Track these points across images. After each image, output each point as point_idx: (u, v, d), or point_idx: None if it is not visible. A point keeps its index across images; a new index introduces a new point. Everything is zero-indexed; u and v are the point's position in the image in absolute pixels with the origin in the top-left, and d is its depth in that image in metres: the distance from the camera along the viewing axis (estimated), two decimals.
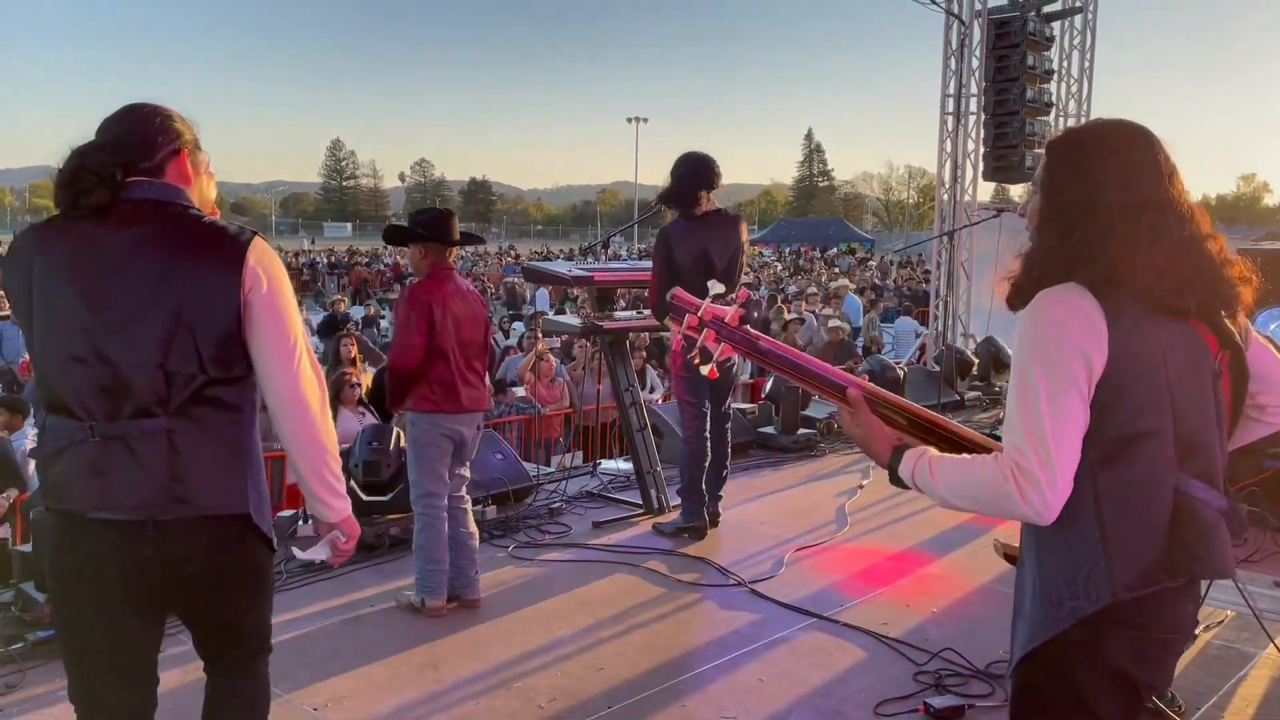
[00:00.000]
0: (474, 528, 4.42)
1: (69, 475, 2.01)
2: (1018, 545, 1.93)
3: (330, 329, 11.22)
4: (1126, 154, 1.72)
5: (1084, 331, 1.62)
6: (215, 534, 2.08)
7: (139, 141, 2.08)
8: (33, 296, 2.01)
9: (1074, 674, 1.71)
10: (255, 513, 2.12)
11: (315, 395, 2.13)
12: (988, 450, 1.80)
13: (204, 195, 2.21)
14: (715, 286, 2.03)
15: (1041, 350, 1.64)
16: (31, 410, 8.87)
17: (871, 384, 1.93)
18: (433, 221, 4.24)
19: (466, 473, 4.45)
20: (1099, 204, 1.69)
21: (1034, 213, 1.80)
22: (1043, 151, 1.85)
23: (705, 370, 1.99)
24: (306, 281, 31.72)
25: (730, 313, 1.99)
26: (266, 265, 2.08)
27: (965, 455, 1.75)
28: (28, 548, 4.18)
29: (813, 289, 18.08)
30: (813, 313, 14.06)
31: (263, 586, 2.27)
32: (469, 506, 4.44)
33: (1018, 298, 1.74)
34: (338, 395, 7.37)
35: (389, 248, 37.78)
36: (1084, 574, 1.66)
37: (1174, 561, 1.65)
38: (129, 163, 2.05)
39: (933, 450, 1.78)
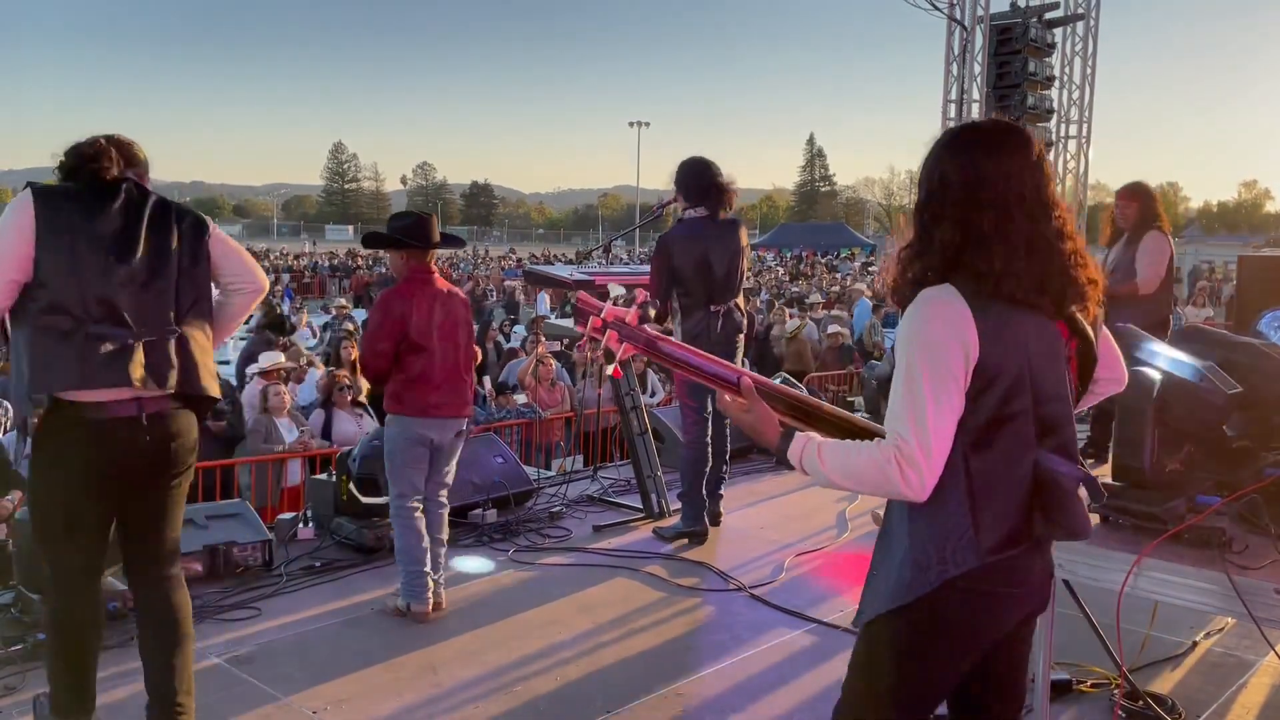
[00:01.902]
0: (444, 535, 4.39)
1: (108, 366, 2.73)
2: None
3: (279, 329, 11.14)
4: (998, 155, 1.85)
5: (960, 330, 1.78)
6: (188, 418, 2.95)
7: (127, 154, 2.99)
8: (79, 235, 2.75)
9: (929, 626, 1.88)
10: (220, 396, 3.08)
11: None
12: (864, 430, 2.01)
13: None
14: (615, 289, 2.16)
15: (925, 346, 1.80)
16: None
17: (756, 374, 2.09)
18: (410, 226, 4.21)
19: (448, 479, 4.39)
20: (970, 204, 1.83)
21: (913, 211, 1.93)
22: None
23: (609, 369, 2.13)
24: (309, 284, 31.78)
25: (630, 314, 2.14)
26: (211, 223, 3.10)
27: (849, 441, 1.91)
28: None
29: (814, 296, 18.03)
30: (815, 321, 14.03)
31: (191, 474, 3.04)
32: (445, 513, 4.40)
33: (896, 295, 1.92)
34: (329, 397, 7.39)
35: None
36: (953, 542, 1.83)
37: (1033, 525, 1.85)
38: (116, 164, 2.93)
39: (817, 435, 1.94)
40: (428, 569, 4.20)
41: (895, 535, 1.95)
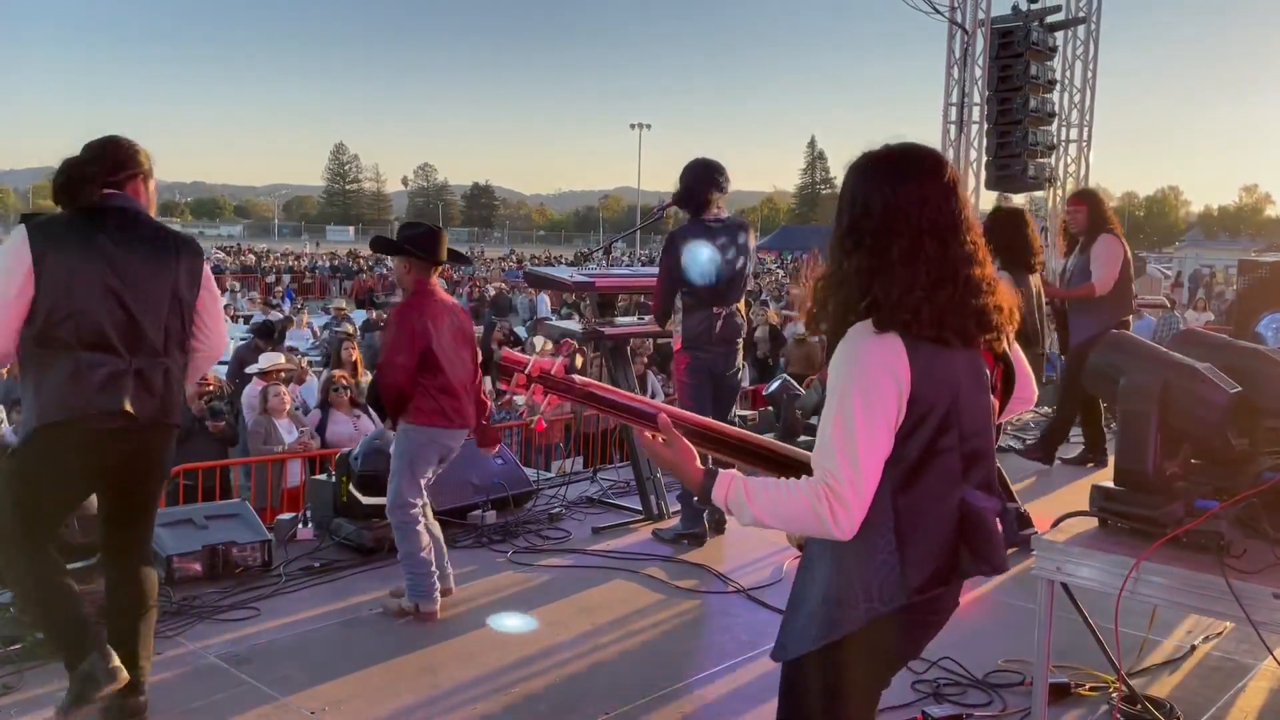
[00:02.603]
0: (435, 521, 4.46)
1: (101, 392, 2.89)
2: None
3: (267, 336, 11.17)
4: (912, 181, 1.84)
5: (894, 368, 1.78)
6: (165, 435, 3.14)
7: (112, 162, 3.03)
8: (70, 269, 2.86)
9: (856, 661, 1.90)
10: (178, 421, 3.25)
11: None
12: (791, 459, 2.02)
13: (151, 206, 3.16)
14: (541, 343, 2.18)
15: (860, 383, 1.78)
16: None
17: (677, 409, 2.08)
18: (421, 238, 4.24)
19: (432, 476, 4.46)
20: (885, 231, 1.82)
21: (830, 237, 1.91)
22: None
23: (533, 423, 2.15)
24: (309, 284, 31.79)
25: (555, 365, 2.14)
26: (206, 263, 3.26)
27: (775, 479, 1.87)
28: None
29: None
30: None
31: (165, 479, 3.33)
32: (427, 500, 4.45)
33: (814, 325, 1.93)
34: (326, 397, 7.39)
35: None
36: (879, 579, 1.83)
37: (960, 562, 1.87)
38: (102, 175, 2.99)
39: (739, 474, 1.89)
40: (434, 570, 4.22)
41: (817, 571, 1.93)
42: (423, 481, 4.27)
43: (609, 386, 2.19)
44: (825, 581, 1.90)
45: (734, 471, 1.90)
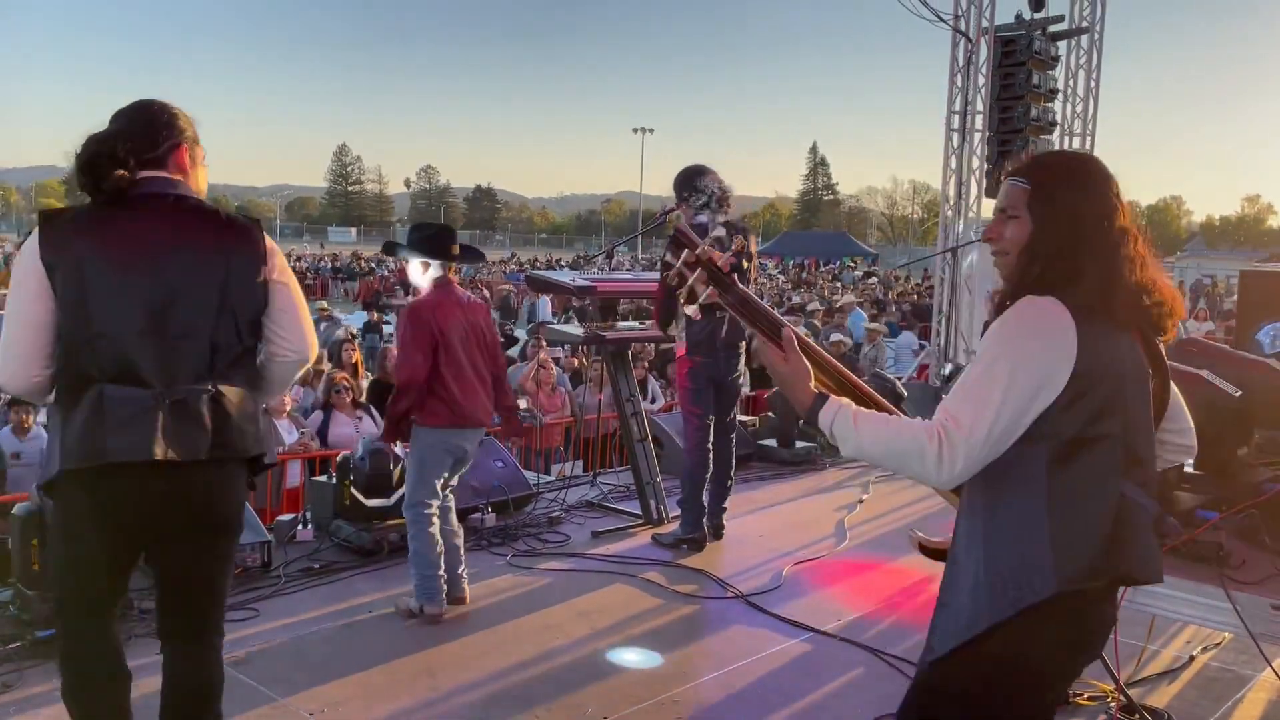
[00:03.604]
0: (458, 526, 4.46)
1: (122, 433, 2.29)
2: (936, 540, 2.08)
3: None
4: (1099, 184, 1.85)
5: (1057, 344, 1.73)
6: (225, 472, 2.45)
7: (146, 132, 2.40)
8: (84, 282, 2.28)
9: (1008, 662, 1.78)
10: (268, 454, 2.56)
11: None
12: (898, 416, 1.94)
13: (198, 186, 2.52)
14: (717, 229, 2.12)
15: (1017, 351, 1.74)
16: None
17: (802, 334, 2.04)
18: (433, 238, 4.27)
19: (456, 480, 4.47)
20: (1081, 231, 1.81)
21: (1015, 239, 1.88)
22: (1013, 177, 1.91)
23: (691, 310, 2.08)
24: (310, 285, 31.78)
25: (724, 258, 2.11)
26: (275, 251, 2.52)
27: (889, 415, 1.86)
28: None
29: (814, 304, 18.03)
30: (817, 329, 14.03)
31: (235, 535, 2.59)
32: (452, 504, 4.47)
33: (1006, 301, 1.85)
34: (328, 399, 7.39)
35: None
36: (1030, 566, 1.73)
37: (1112, 561, 1.75)
38: (136, 149, 2.37)
39: (851, 402, 1.87)
40: (441, 572, 4.23)
41: (963, 564, 1.86)
42: (437, 483, 4.27)
43: (758, 300, 2.12)
44: (975, 570, 1.81)
45: (845, 400, 1.88)
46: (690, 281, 2.08)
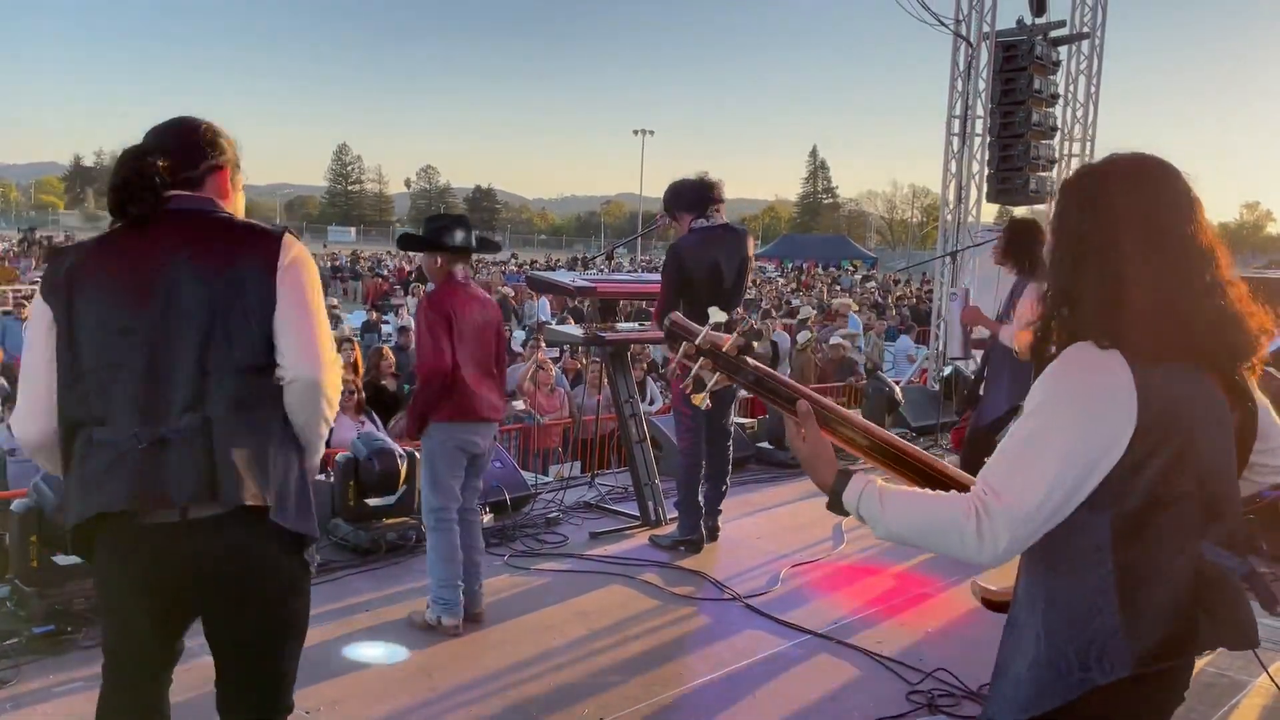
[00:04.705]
0: (481, 544, 4.38)
1: (100, 483, 2.03)
2: (996, 590, 1.91)
3: None
4: (1142, 188, 1.63)
5: (1115, 402, 1.53)
6: (241, 532, 2.08)
7: (185, 152, 2.18)
8: (73, 316, 2.06)
9: None
10: (277, 507, 2.09)
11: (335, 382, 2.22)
12: (955, 481, 1.74)
13: (237, 210, 2.29)
14: (716, 315, 1.94)
15: (1068, 402, 1.56)
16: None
17: (828, 400, 1.86)
18: (442, 230, 4.27)
19: (479, 483, 4.41)
20: (1113, 243, 1.60)
21: (1047, 253, 1.72)
22: (1047, 175, 1.82)
23: (699, 401, 1.93)
24: None
25: (728, 342, 1.92)
26: (298, 258, 2.16)
27: (919, 489, 1.68)
28: None
29: (805, 310, 18.00)
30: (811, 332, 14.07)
31: (283, 608, 2.19)
32: (479, 519, 4.40)
33: (1041, 347, 1.67)
34: None
35: (393, 253, 37.63)
36: (1099, 645, 1.57)
37: (1199, 632, 1.59)
38: (172, 169, 2.14)
39: (877, 479, 1.69)
40: (460, 581, 4.15)
41: (1025, 627, 1.69)
42: (454, 484, 4.18)
43: (775, 373, 1.94)
44: (1035, 643, 1.65)
45: (871, 476, 1.70)
46: (695, 371, 1.92)
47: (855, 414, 1.87)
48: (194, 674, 2.50)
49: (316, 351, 2.15)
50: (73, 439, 2.08)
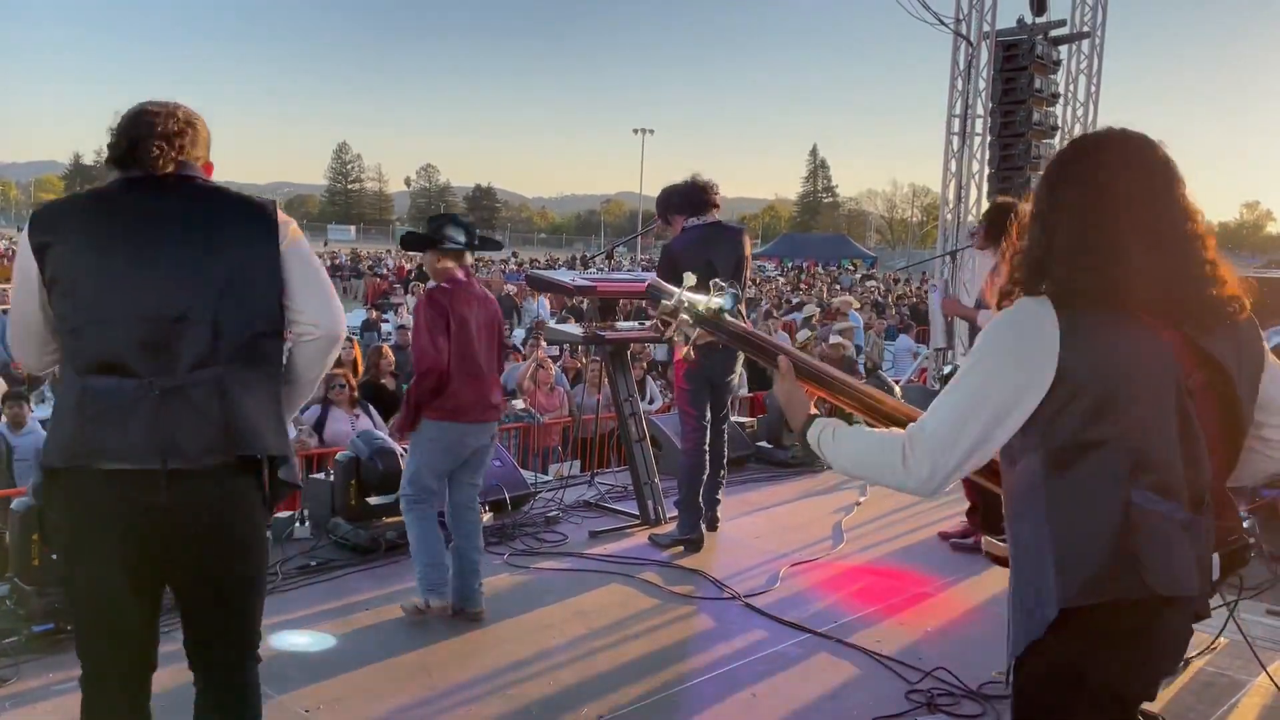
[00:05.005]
0: (481, 542, 4.38)
1: (99, 427, 2.10)
2: (1001, 546, 2.01)
3: None
4: (1094, 154, 1.75)
5: (1036, 346, 1.65)
6: (238, 481, 2.20)
7: (199, 135, 2.30)
8: (73, 263, 2.12)
9: (1057, 682, 1.71)
10: (285, 461, 2.28)
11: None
12: (897, 411, 1.98)
13: None
14: (689, 279, 2.19)
15: (992, 356, 1.71)
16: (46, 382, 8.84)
17: (802, 354, 2.12)
18: (449, 228, 4.28)
19: (479, 481, 4.42)
20: (1071, 205, 1.72)
21: (1022, 216, 1.83)
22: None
23: (683, 354, 2.17)
24: None
25: (706, 300, 2.17)
26: (294, 228, 2.30)
27: (871, 429, 1.89)
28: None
29: (809, 308, 17.98)
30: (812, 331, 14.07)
31: (261, 549, 2.34)
32: (479, 519, 4.41)
33: (1004, 301, 1.79)
34: (326, 394, 7.39)
35: (393, 252, 37.62)
36: (1041, 582, 1.66)
37: (1123, 574, 1.62)
38: (185, 142, 2.25)
39: (840, 421, 1.92)
40: (446, 561, 4.18)
41: (1011, 575, 1.79)
42: (433, 481, 4.20)
43: (756, 331, 2.23)
44: (1013, 588, 1.75)
45: (835, 420, 1.93)
46: (675, 326, 2.17)
47: (828, 367, 2.12)
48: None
49: (338, 307, 2.33)
50: (69, 385, 2.15)
